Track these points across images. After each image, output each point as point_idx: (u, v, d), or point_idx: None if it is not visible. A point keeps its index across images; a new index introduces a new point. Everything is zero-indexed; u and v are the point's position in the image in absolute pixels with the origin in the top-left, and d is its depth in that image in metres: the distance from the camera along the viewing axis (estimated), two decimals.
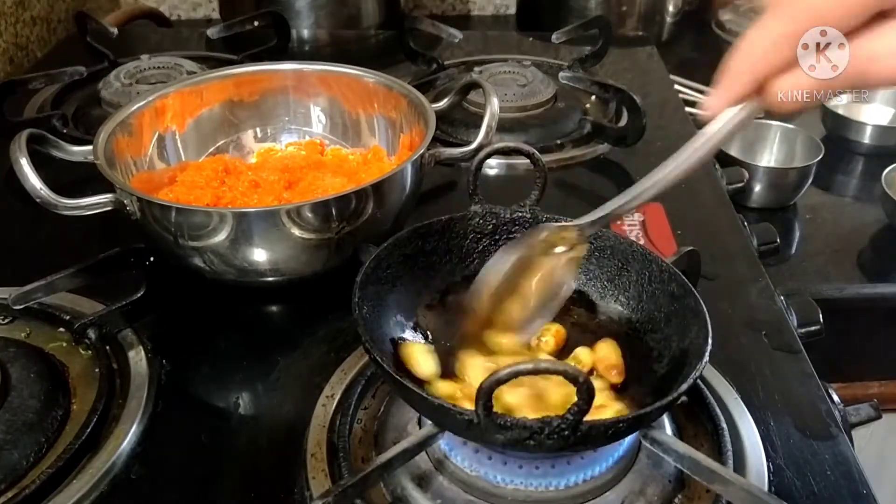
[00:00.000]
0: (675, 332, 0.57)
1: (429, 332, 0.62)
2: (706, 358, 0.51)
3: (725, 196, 0.93)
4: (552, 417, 0.45)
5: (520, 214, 0.64)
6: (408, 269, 0.62)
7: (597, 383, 0.53)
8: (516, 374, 0.44)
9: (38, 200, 0.68)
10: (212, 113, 0.88)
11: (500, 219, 0.64)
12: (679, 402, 0.55)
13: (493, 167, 0.97)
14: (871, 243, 1.05)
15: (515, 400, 0.53)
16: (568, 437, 0.45)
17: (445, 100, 0.86)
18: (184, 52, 1.21)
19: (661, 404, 0.49)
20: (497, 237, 0.64)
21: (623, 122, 1.02)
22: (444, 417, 0.49)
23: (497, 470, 0.53)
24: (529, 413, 0.50)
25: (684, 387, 0.49)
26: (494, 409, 0.45)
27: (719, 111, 0.46)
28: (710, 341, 0.52)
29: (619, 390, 0.58)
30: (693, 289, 0.56)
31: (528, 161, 0.64)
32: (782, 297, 0.76)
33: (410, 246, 0.62)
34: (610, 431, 0.47)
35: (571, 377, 0.43)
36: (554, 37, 1.22)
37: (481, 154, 0.63)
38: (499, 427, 0.46)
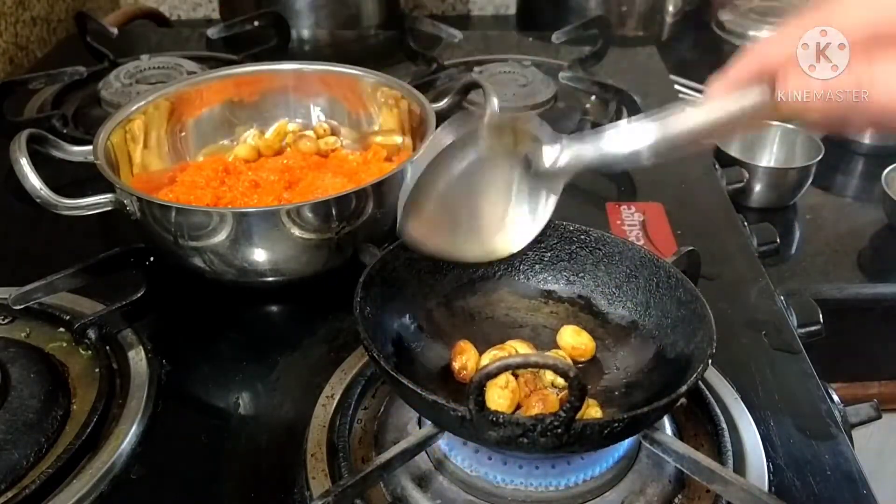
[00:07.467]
0: (682, 338, 0.57)
1: (433, 335, 0.62)
2: (707, 362, 0.51)
3: (725, 196, 0.93)
4: (545, 415, 0.45)
5: None
6: (413, 272, 0.62)
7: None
8: (506, 368, 0.44)
9: (38, 200, 0.68)
10: (212, 113, 0.89)
11: None
12: (678, 404, 0.55)
13: None
14: (871, 243, 1.05)
15: None
16: (561, 435, 0.45)
17: (445, 100, 0.87)
18: (184, 52, 1.21)
19: (658, 406, 0.48)
20: None
21: None
22: (439, 414, 0.49)
23: (497, 470, 0.53)
24: None
25: (682, 389, 0.49)
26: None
27: (719, 93, 0.47)
28: (714, 347, 0.52)
29: (623, 394, 0.58)
30: (700, 294, 0.56)
31: None
32: (782, 297, 0.76)
33: None
34: (605, 431, 0.47)
35: (562, 372, 0.43)
36: (554, 37, 1.22)
37: None
38: (491, 423, 0.46)
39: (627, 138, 0.52)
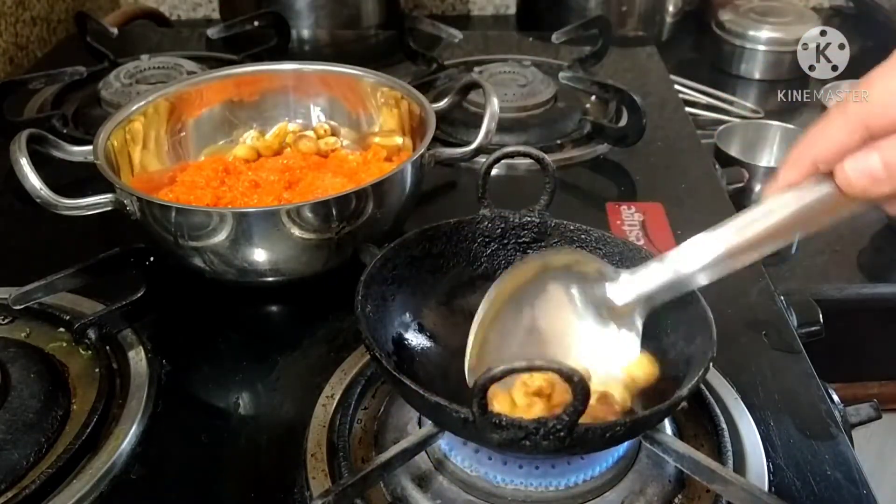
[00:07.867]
0: (682, 339, 0.57)
1: (433, 334, 0.62)
2: (708, 365, 0.51)
3: (725, 196, 0.93)
4: (547, 418, 0.45)
5: (529, 219, 0.64)
6: (414, 270, 0.62)
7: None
8: (511, 371, 0.44)
9: (38, 200, 0.68)
10: (212, 113, 0.89)
11: (509, 223, 0.64)
12: (679, 407, 0.55)
13: (494, 167, 0.97)
14: (871, 243, 1.05)
15: None
16: (564, 438, 0.45)
17: (445, 100, 0.86)
18: (184, 52, 1.21)
19: (660, 409, 0.48)
20: (505, 241, 0.64)
21: (623, 122, 1.02)
22: (441, 415, 0.49)
23: (497, 470, 0.53)
24: None
25: (684, 393, 0.49)
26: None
27: (777, 192, 0.47)
28: (714, 349, 0.52)
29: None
30: (700, 296, 0.56)
31: (529, 161, 0.64)
32: (782, 297, 0.76)
33: (417, 248, 0.62)
34: (607, 434, 0.47)
35: (566, 375, 0.43)
36: (554, 37, 1.22)
37: (490, 159, 0.63)
38: (494, 426, 0.46)
39: (697, 253, 0.52)
